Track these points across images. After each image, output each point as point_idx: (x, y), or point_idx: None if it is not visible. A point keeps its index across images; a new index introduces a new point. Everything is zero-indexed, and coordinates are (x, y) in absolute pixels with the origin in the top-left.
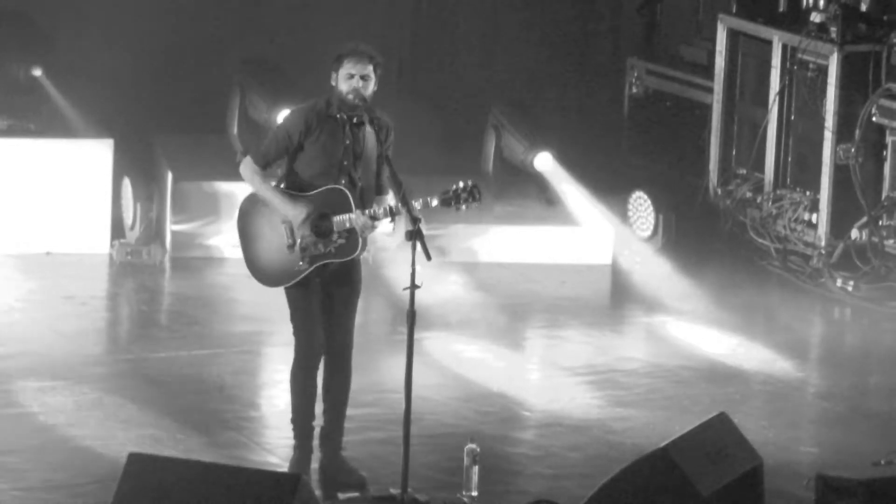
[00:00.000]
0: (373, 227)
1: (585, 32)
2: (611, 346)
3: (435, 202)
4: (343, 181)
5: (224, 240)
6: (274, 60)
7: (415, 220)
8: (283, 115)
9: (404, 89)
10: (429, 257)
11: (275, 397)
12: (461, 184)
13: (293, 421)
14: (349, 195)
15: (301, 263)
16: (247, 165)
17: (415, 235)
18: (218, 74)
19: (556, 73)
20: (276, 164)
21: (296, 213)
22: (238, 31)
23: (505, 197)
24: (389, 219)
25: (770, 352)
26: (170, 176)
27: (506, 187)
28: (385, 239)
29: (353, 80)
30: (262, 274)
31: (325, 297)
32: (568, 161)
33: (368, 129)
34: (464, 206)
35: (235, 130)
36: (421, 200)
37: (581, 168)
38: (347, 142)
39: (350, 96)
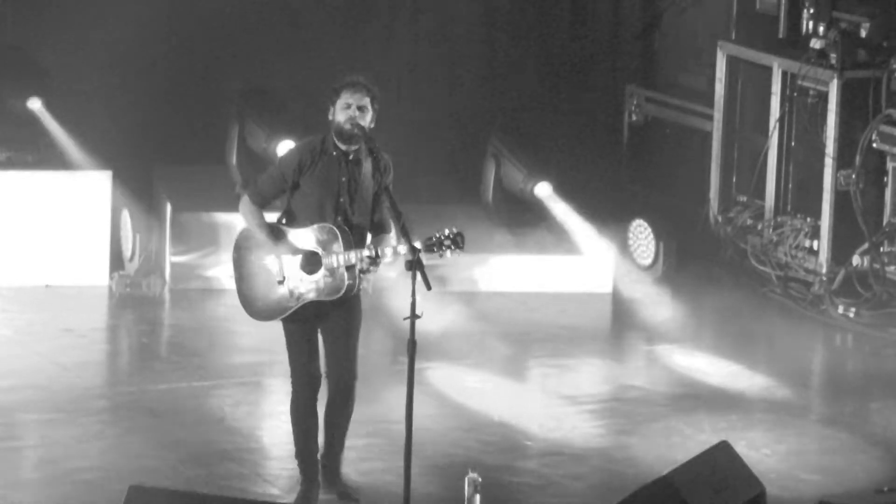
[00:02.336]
0: (369, 268)
1: (584, 60)
2: (612, 374)
3: (419, 246)
4: (339, 218)
5: (223, 271)
6: (272, 90)
7: (414, 250)
8: (282, 145)
9: (403, 117)
10: (429, 287)
11: (275, 428)
12: (446, 231)
13: (297, 456)
14: (339, 233)
15: (289, 299)
16: (245, 203)
17: (414, 265)
18: (217, 105)
19: (554, 101)
20: (278, 201)
21: (286, 249)
22: (237, 60)
23: (505, 226)
24: (373, 262)
25: (771, 379)
26: (169, 207)
27: (505, 216)
28: (385, 269)
29: (349, 109)
30: (253, 308)
31: (325, 329)
32: (567, 189)
33: (366, 165)
34: (448, 253)
35: (234, 161)
36: (405, 247)
37: (581, 196)
38: (344, 178)
39: (347, 126)
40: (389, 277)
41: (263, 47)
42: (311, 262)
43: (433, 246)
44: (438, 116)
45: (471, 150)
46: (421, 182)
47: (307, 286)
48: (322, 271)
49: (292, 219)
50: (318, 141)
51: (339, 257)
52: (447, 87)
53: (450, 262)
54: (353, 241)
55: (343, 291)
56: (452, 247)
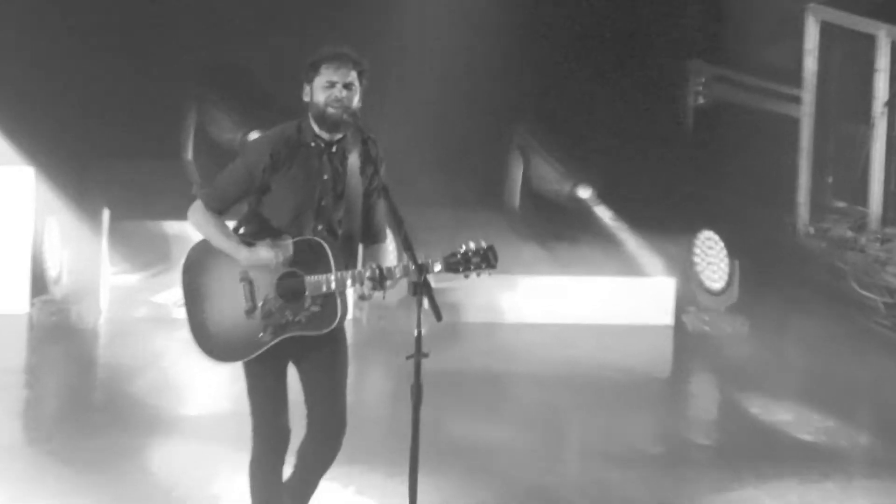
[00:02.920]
0: (367, 294)
1: (635, 28)
2: (674, 430)
3: (438, 267)
4: (320, 227)
5: (175, 296)
6: (241, 66)
7: (420, 270)
8: (254, 136)
9: (402, 103)
10: (439, 317)
11: (232, 492)
12: (472, 245)
13: None
14: (327, 249)
15: (262, 334)
16: (197, 210)
17: (421, 288)
18: (169, 85)
19: (597, 81)
20: (236, 208)
21: (258, 266)
22: (195, 28)
23: (535, 239)
24: (377, 286)
25: (877, 436)
26: (106, 213)
27: (536, 226)
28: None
29: (333, 88)
30: (212, 344)
31: (305, 370)
32: (615, 192)
33: (353, 158)
34: (474, 274)
35: (191, 155)
36: (417, 265)
37: (633, 201)
38: (325, 176)
39: (330, 109)
40: (388, 305)
41: (229, 12)
42: (291, 287)
43: (457, 265)
44: (449, 99)
45: (491, 141)
46: (426, 181)
47: (286, 317)
48: (307, 299)
49: (259, 229)
50: (293, 129)
51: (328, 279)
52: (460, 62)
53: (466, 285)
54: (343, 256)
55: (335, 323)
56: (483, 265)
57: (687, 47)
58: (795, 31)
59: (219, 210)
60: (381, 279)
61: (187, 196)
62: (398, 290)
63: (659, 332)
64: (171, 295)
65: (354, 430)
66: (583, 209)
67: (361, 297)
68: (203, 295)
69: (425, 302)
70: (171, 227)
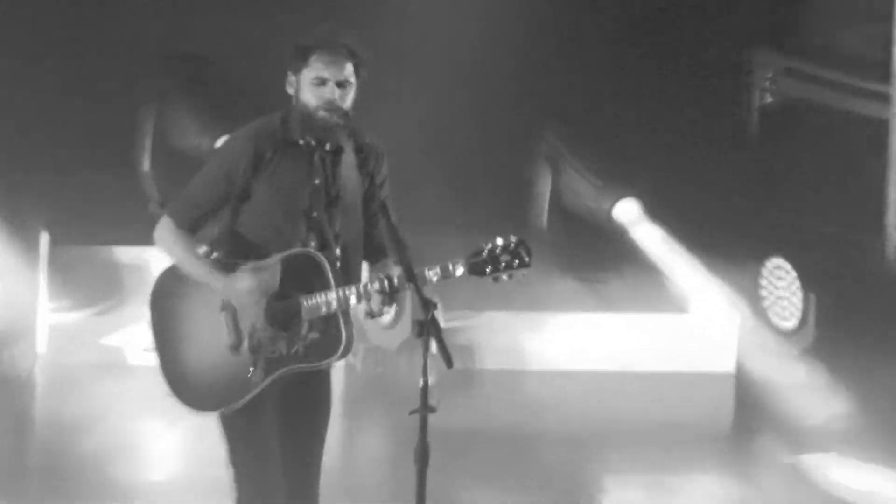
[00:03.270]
0: (377, 311)
1: (688, 11)
2: (736, 497)
3: (460, 270)
4: (313, 243)
5: (129, 336)
6: (208, 57)
7: (426, 304)
8: (221, 142)
9: (405, 105)
10: (449, 363)
11: None
12: (499, 241)
13: None
14: (323, 262)
15: (252, 372)
16: (164, 229)
17: (427, 328)
18: (119, 82)
19: (642, 76)
20: (211, 223)
21: (241, 291)
22: (151, 14)
23: (567, 267)
24: (387, 300)
25: None
26: (44, 238)
27: (567, 251)
28: (380, 333)
29: (324, 87)
30: (192, 391)
31: (281, 417)
32: (664, 210)
33: (350, 159)
34: (504, 276)
35: (148, 166)
36: (438, 268)
37: (685, 221)
38: (317, 180)
39: (322, 113)
40: (386, 349)
41: None
42: (284, 312)
43: (483, 265)
44: (462, 99)
45: (512, 150)
46: (434, 198)
47: (280, 350)
48: (304, 325)
49: (237, 249)
50: (276, 122)
51: (327, 299)
52: (475, 55)
53: (482, 324)
54: (343, 273)
55: (340, 351)
56: (515, 264)
57: (751, 33)
58: (885, 14)
59: (191, 226)
60: (391, 290)
61: (143, 216)
62: (400, 331)
63: (718, 381)
64: (122, 336)
65: (346, 500)
66: (624, 231)
67: (370, 316)
68: (177, 332)
69: (433, 345)
70: (124, 253)
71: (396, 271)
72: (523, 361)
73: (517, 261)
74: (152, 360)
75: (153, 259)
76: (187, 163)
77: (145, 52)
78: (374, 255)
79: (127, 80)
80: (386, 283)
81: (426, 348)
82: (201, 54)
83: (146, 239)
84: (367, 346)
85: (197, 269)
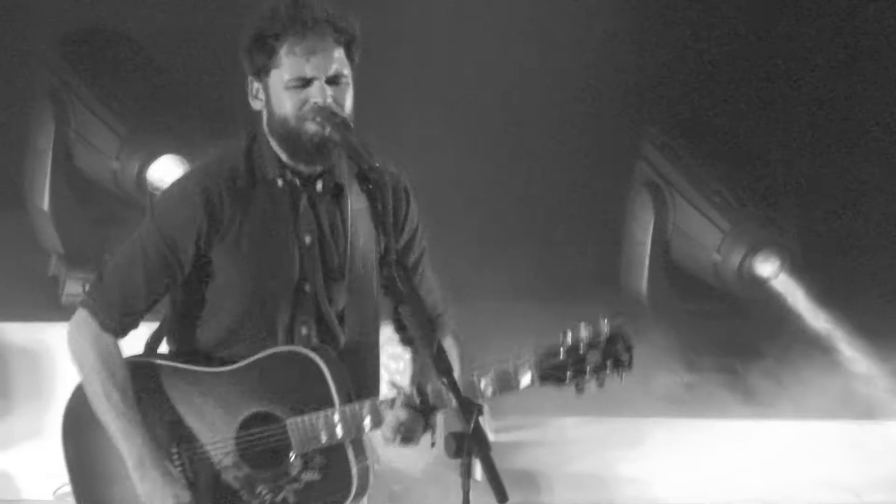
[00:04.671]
0: (403, 439)
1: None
2: None
3: (527, 378)
4: (304, 331)
5: (22, 460)
6: (132, 37)
7: (468, 409)
8: (161, 168)
9: (443, 111)
10: (502, 496)
11: None
12: (583, 332)
13: None
14: (321, 366)
15: None
16: (82, 330)
17: (469, 444)
18: (3, 73)
19: (786, 76)
20: (148, 314)
21: (188, 423)
22: None
23: (679, 349)
24: (419, 424)
25: None
26: None
27: (680, 326)
28: (399, 451)
29: (309, 89)
30: None
31: None
32: (822, 267)
33: (354, 201)
34: (592, 384)
35: (47, 203)
36: (492, 375)
37: (851, 282)
38: (308, 238)
39: (311, 125)
40: (409, 473)
41: None
42: (266, 441)
43: (561, 370)
44: (516, 103)
45: (596, 177)
46: (481, 250)
47: (262, 497)
48: (295, 461)
49: (191, 345)
50: (240, 157)
51: (328, 421)
52: (535, 44)
53: (550, 437)
54: (352, 377)
55: (350, 498)
56: (608, 363)
57: None
58: None
59: (118, 328)
60: (424, 409)
61: (40, 278)
62: (425, 449)
63: None
64: (16, 459)
65: None
66: (766, 295)
67: (400, 438)
68: (104, 468)
69: (477, 469)
70: (13, 333)
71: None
72: (612, 492)
73: (611, 361)
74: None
75: (56, 341)
76: (105, 199)
77: (39, 32)
78: (413, 342)
79: (13, 76)
80: (416, 394)
81: (467, 474)
82: (122, 32)
83: (45, 312)
84: (376, 471)
85: (112, 415)
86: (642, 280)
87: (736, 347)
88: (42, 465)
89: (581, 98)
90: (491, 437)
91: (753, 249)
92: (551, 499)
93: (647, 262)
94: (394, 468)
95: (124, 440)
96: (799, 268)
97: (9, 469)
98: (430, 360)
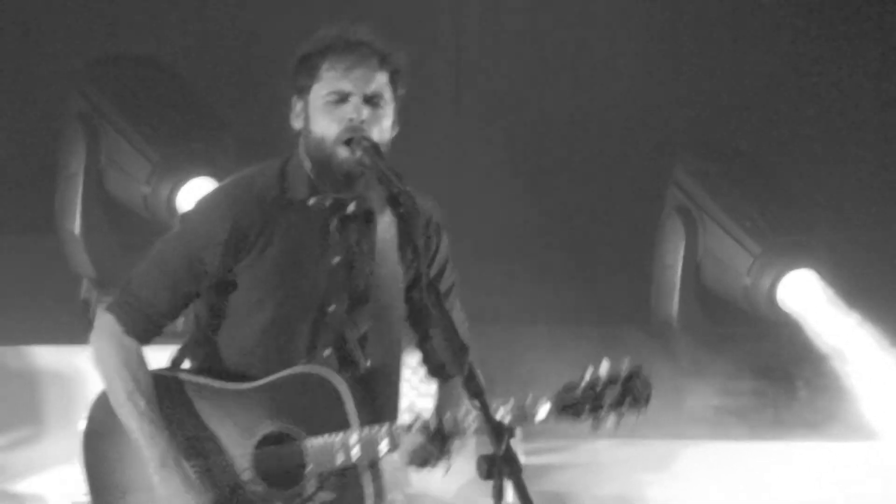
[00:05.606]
0: (420, 463)
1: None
2: None
3: (544, 411)
4: (327, 353)
5: (54, 482)
6: (166, 64)
7: (499, 432)
8: (191, 192)
9: (468, 134)
10: None
11: None
12: (602, 370)
13: None
14: (341, 388)
15: None
16: (105, 333)
17: (500, 466)
18: (33, 100)
19: (816, 87)
20: (171, 324)
21: (207, 441)
22: (73, 3)
23: (709, 374)
24: (437, 452)
25: None
26: None
27: (710, 350)
28: (428, 475)
29: (345, 106)
30: None
31: None
32: (858, 291)
33: (385, 227)
34: (610, 419)
35: (78, 227)
36: (511, 405)
37: (889, 304)
38: (335, 259)
39: (345, 152)
40: (442, 497)
41: None
42: (282, 461)
43: (579, 406)
44: (545, 129)
45: (625, 200)
46: (510, 273)
47: None
48: (311, 481)
49: (212, 362)
50: (273, 176)
51: (345, 443)
52: (566, 69)
53: (581, 460)
54: (372, 401)
55: None
56: (626, 401)
57: None
58: None
59: (142, 334)
60: (441, 437)
61: (71, 303)
62: (458, 472)
63: None
64: (47, 482)
65: None
66: (795, 319)
67: (422, 462)
68: (121, 483)
69: (508, 492)
70: (44, 356)
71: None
72: None
73: (629, 398)
74: None
75: (87, 364)
76: (136, 224)
77: (71, 55)
78: (442, 374)
79: (45, 99)
80: (435, 425)
81: (499, 496)
82: (153, 57)
83: (77, 335)
84: (408, 493)
85: (136, 418)
86: (673, 303)
87: (766, 370)
88: (74, 489)
89: (614, 122)
90: (522, 459)
91: (783, 273)
92: None
93: (677, 285)
94: (426, 492)
95: (147, 442)
96: (830, 290)
97: (41, 492)
98: (462, 382)
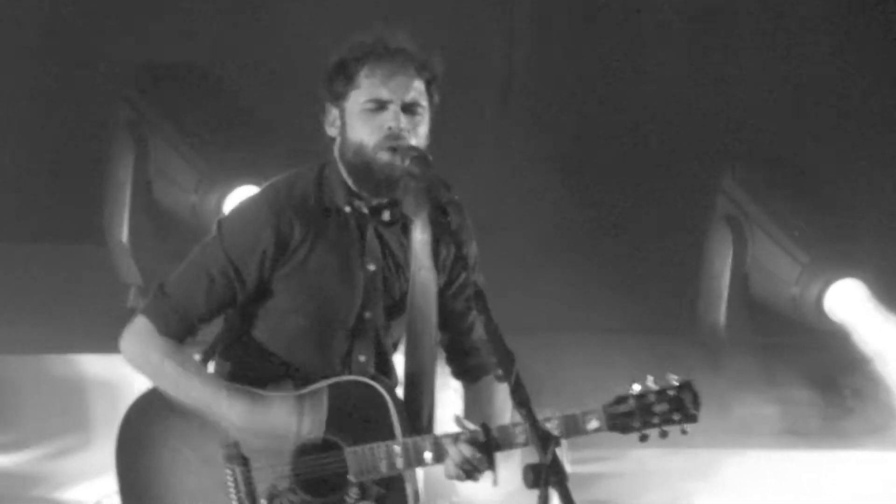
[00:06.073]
0: (465, 475)
1: None
2: None
3: (594, 424)
4: (362, 358)
5: (102, 490)
6: (213, 70)
7: (545, 441)
8: (234, 200)
9: (516, 139)
10: None
11: None
12: (651, 384)
13: None
14: (385, 398)
15: None
16: (138, 338)
17: (546, 475)
18: (79, 106)
19: (864, 103)
20: (204, 329)
21: (266, 431)
22: (129, 14)
23: (757, 383)
24: (482, 462)
25: None
26: None
27: (758, 359)
28: (474, 485)
29: (384, 114)
30: None
31: None
32: None
33: (420, 234)
34: (658, 430)
35: (126, 236)
36: (559, 420)
37: None
38: (371, 267)
39: (383, 155)
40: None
41: None
42: (324, 469)
43: (628, 419)
44: (594, 135)
45: (670, 207)
46: (553, 283)
47: None
48: (353, 490)
49: (247, 368)
50: (311, 183)
51: (389, 452)
52: (619, 73)
53: (629, 469)
54: (409, 411)
55: None
56: (675, 416)
57: None
58: None
59: (179, 335)
60: (487, 446)
61: (119, 310)
62: (505, 480)
63: None
64: (96, 490)
65: None
66: (844, 328)
67: (464, 474)
68: (155, 491)
69: (554, 500)
70: (92, 365)
71: (503, 415)
72: None
73: (678, 414)
74: None
75: (135, 373)
76: (184, 232)
77: (120, 64)
78: (467, 375)
79: (94, 108)
80: (481, 434)
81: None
82: (201, 66)
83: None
84: (454, 503)
85: (196, 393)
86: (721, 313)
87: (814, 380)
88: (112, 487)
89: (664, 130)
90: (568, 468)
91: (831, 282)
92: None
93: (725, 295)
94: (472, 501)
95: (215, 407)
96: (877, 299)
97: (88, 501)
98: (510, 391)
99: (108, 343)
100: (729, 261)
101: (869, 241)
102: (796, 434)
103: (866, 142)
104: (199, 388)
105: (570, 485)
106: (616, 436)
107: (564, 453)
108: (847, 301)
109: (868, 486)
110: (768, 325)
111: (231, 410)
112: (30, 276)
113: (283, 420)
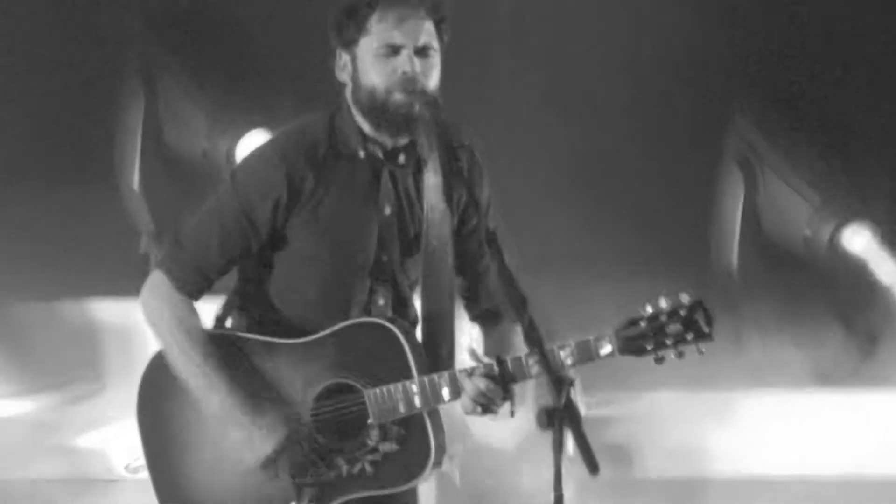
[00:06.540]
0: (482, 410)
1: None
2: None
3: (607, 348)
4: (381, 302)
5: (115, 438)
6: (222, 14)
7: (559, 383)
8: (248, 144)
9: (521, 90)
10: (594, 468)
11: None
12: (663, 303)
13: None
14: (400, 338)
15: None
16: (157, 291)
17: (560, 417)
18: (89, 54)
19: (880, 40)
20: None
21: (266, 392)
22: None
23: (769, 323)
24: (499, 395)
25: None
26: None
27: (770, 299)
28: (489, 426)
29: (397, 58)
30: None
31: None
32: None
33: (433, 177)
34: (672, 353)
35: (137, 181)
36: (573, 346)
37: None
38: (387, 210)
39: (397, 95)
40: (502, 449)
41: None
42: (343, 413)
43: (642, 341)
44: (604, 68)
45: (683, 149)
46: (567, 225)
47: (338, 468)
48: (373, 432)
49: (267, 316)
50: (322, 130)
51: (406, 391)
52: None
53: (642, 411)
54: (427, 350)
55: (428, 468)
56: (689, 335)
57: None
58: None
59: (194, 290)
60: (504, 379)
61: (131, 256)
62: (518, 425)
63: None
64: (109, 437)
65: None
66: (857, 268)
67: (481, 411)
68: (179, 442)
69: (569, 442)
70: (105, 310)
71: (514, 346)
72: (703, 465)
73: (691, 333)
74: (143, 473)
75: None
76: (195, 178)
77: (128, 10)
78: (486, 318)
79: (104, 52)
80: (496, 366)
81: (559, 448)
82: (210, 10)
83: (136, 289)
84: (469, 447)
85: (192, 372)
86: (732, 254)
87: (827, 321)
88: (135, 444)
89: (670, 69)
90: (583, 410)
91: (844, 222)
92: (644, 473)
93: (737, 236)
94: (488, 445)
95: (210, 392)
96: (890, 241)
97: (103, 447)
98: (523, 332)
99: (120, 288)
100: (740, 201)
101: (883, 180)
102: (810, 374)
103: (879, 80)
104: (193, 364)
105: (585, 427)
106: (630, 377)
107: (579, 396)
108: (860, 242)
109: (885, 426)
110: (780, 266)
111: (216, 405)
112: (52, 225)
113: (288, 371)
